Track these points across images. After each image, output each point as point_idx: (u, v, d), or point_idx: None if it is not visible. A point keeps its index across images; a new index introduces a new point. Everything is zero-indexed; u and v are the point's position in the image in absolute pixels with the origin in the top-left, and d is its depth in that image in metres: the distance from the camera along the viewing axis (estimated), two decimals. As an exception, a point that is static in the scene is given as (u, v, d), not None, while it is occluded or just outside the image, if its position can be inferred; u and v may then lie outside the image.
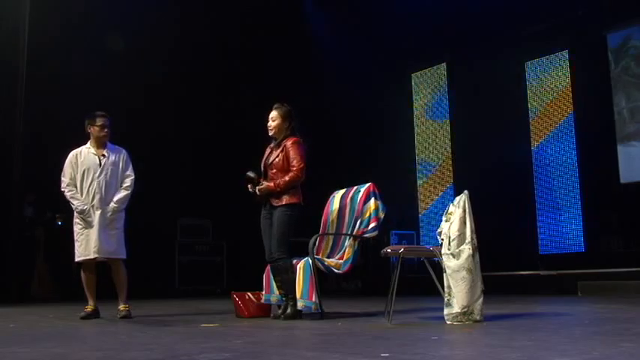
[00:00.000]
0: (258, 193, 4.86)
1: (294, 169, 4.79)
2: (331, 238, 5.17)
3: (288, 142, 4.86)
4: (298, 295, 4.70)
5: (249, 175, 4.92)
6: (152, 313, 5.77)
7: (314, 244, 4.85)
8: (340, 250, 4.96)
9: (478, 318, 3.95)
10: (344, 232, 5.02)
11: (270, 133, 4.97)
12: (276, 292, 5.00)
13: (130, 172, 5.46)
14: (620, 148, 9.16)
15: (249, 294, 5.18)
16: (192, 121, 10.67)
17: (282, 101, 5.05)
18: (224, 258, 11.07)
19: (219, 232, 11.07)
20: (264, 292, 5.13)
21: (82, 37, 9.60)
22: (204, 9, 10.80)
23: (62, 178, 5.32)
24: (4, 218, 9.15)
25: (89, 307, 5.22)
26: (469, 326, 3.83)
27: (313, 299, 4.57)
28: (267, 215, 4.92)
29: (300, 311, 4.74)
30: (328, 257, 4.98)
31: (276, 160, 4.87)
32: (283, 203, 4.79)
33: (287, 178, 4.78)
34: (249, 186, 4.94)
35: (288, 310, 4.74)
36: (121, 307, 5.25)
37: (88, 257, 5.19)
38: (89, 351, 3.19)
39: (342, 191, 5.30)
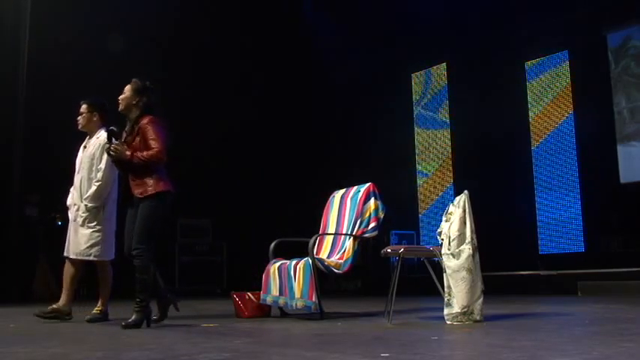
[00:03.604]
0: (111, 150, 4.36)
1: (153, 149, 4.31)
2: (331, 238, 5.16)
3: (144, 121, 4.39)
4: (298, 294, 4.67)
5: (112, 129, 4.40)
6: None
7: (314, 244, 4.84)
8: (340, 250, 4.96)
9: (478, 318, 3.95)
10: (344, 232, 5.01)
11: (119, 108, 4.53)
12: (273, 291, 4.96)
13: (102, 164, 4.97)
14: (620, 148, 9.16)
15: (249, 294, 5.18)
16: (191, 121, 10.66)
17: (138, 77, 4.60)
18: (224, 258, 11.07)
19: (219, 232, 11.08)
20: (261, 292, 5.12)
21: (82, 37, 9.60)
22: (203, 10, 10.80)
23: None
24: (5, 218, 9.16)
25: (56, 306, 4.93)
26: (469, 326, 3.83)
27: (313, 299, 4.53)
28: (134, 208, 4.43)
29: (143, 320, 4.25)
30: (328, 257, 4.97)
31: (132, 142, 4.39)
32: (148, 194, 4.33)
33: (145, 155, 4.29)
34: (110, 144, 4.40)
35: (133, 317, 4.21)
36: (95, 309, 4.99)
37: (64, 255, 5.04)
38: (89, 351, 3.18)
39: (342, 191, 5.30)
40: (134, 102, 4.48)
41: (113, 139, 4.40)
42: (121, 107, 4.54)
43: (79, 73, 9.39)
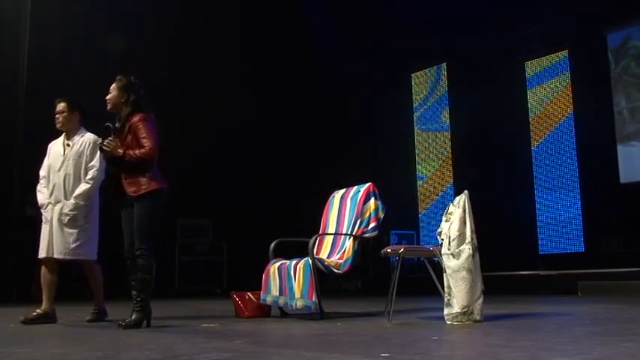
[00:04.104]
0: (104, 145, 4.29)
1: (145, 147, 4.25)
2: (331, 238, 5.16)
3: (135, 119, 4.32)
4: (298, 294, 4.67)
5: (108, 125, 4.34)
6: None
7: (314, 244, 4.84)
8: (340, 250, 4.96)
9: (478, 318, 3.95)
10: (344, 232, 5.01)
11: (108, 108, 4.46)
12: (273, 291, 4.96)
13: (95, 162, 4.88)
14: (620, 148, 9.17)
15: (249, 294, 5.18)
16: (191, 121, 10.66)
17: (125, 73, 4.53)
18: (224, 258, 11.07)
19: (219, 232, 11.08)
20: (261, 292, 5.11)
21: (82, 36, 9.60)
22: (203, 10, 10.80)
23: (40, 171, 5.06)
24: (5, 218, 9.15)
25: (40, 310, 4.78)
26: (469, 326, 3.83)
27: (313, 299, 4.53)
28: (129, 208, 4.37)
29: (143, 320, 4.23)
30: (328, 257, 4.97)
31: (124, 141, 4.32)
32: (142, 193, 4.27)
33: (138, 153, 4.23)
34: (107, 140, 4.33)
35: (132, 316, 4.20)
36: (92, 309, 4.97)
37: (40, 256, 4.82)
38: (89, 351, 3.18)
39: (342, 191, 5.30)
40: (122, 100, 4.42)
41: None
42: (109, 107, 4.47)
43: (79, 73, 9.37)
